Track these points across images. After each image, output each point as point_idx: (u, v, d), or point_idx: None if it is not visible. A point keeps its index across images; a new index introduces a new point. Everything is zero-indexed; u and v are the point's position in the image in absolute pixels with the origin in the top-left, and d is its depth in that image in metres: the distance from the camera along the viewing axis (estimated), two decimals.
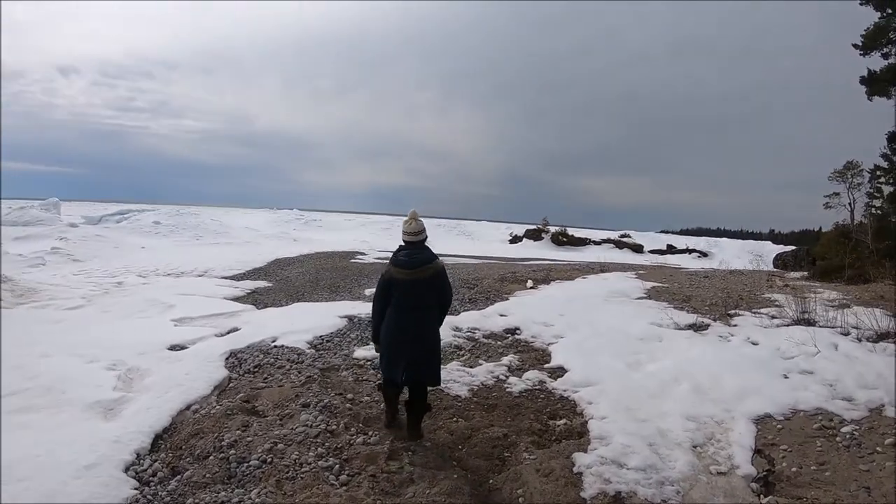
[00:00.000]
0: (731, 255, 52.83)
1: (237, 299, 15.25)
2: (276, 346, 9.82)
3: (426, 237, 6.33)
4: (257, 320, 12.06)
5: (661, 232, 74.06)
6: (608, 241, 55.02)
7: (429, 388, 6.41)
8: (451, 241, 52.30)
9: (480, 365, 9.19)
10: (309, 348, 9.82)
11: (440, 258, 6.31)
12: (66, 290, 15.85)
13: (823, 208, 39.04)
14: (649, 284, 16.40)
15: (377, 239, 48.11)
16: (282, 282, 18.77)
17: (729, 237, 78.30)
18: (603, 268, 21.50)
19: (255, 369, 8.79)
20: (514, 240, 54.98)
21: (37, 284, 15.95)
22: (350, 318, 11.83)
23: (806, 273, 23.01)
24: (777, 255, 44.93)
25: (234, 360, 9.22)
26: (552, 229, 54.50)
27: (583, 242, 53.26)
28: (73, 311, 13.37)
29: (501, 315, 12.07)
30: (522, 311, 12.48)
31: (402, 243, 6.22)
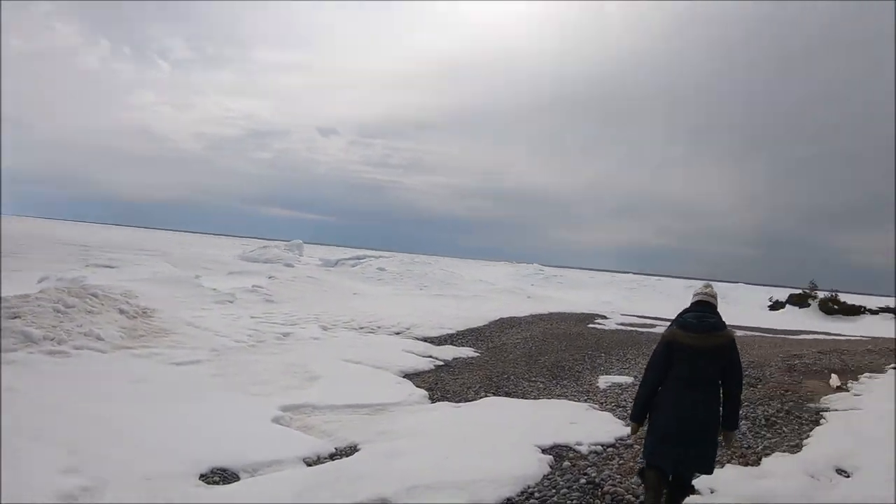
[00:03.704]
0: None
1: (418, 375, 12.15)
2: None
3: (716, 305, 5.57)
4: (400, 434, 7.92)
5: None
6: (887, 309, 47.38)
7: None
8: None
9: None
10: None
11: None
12: (209, 336, 13.50)
13: None
14: None
15: (621, 300, 44.84)
16: (492, 352, 15.52)
17: None
18: None
19: None
20: (775, 306, 49.43)
21: (176, 324, 13.73)
22: (559, 458, 7.30)
23: None
24: None
25: None
26: (820, 294, 47.63)
27: (856, 311, 45.91)
28: (178, 367, 10.82)
29: (840, 472, 7.02)
30: (863, 455, 7.46)
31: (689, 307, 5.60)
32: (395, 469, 6.34)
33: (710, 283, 5.76)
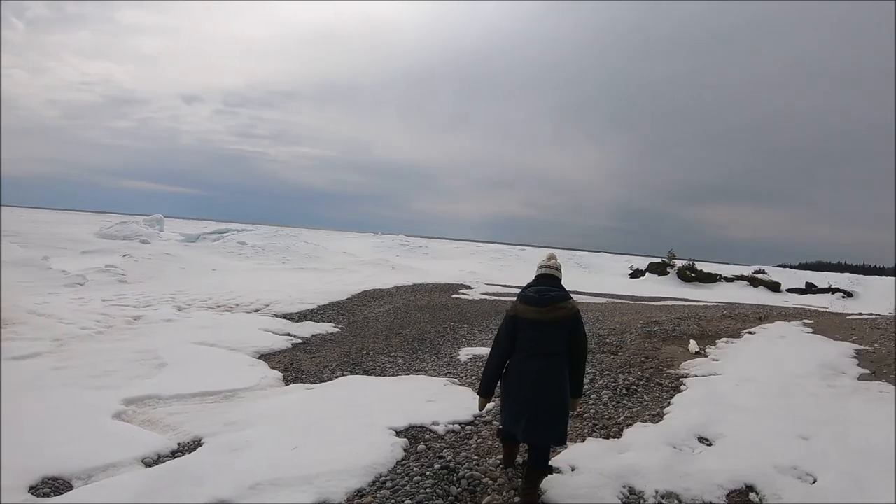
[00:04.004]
0: (879, 294, 49.96)
1: (274, 355, 11.51)
2: None
3: (560, 278, 5.74)
4: (248, 423, 7.32)
5: (779, 266, 68.89)
6: (741, 277, 50.97)
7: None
8: (567, 272, 48.32)
9: None
10: None
11: (573, 300, 5.53)
12: (53, 324, 12.48)
13: None
14: (848, 347, 12.55)
15: (487, 269, 45.68)
16: (353, 326, 15.13)
17: (850, 272, 71.90)
18: (761, 315, 18.24)
19: None
20: (636, 274, 51.85)
21: (16, 313, 12.60)
22: (414, 440, 6.91)
23: None
24: None
25: None
26: (678, 263, 50.49)
27: (712, 279, 49.36)
28: (15, 362, 9.70)
29: (702, 440, 7.01)
30: (725, 422, 7.56)
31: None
32: (239, 465, 5.84)
33: (554, 253, 5.85)
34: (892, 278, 61.83)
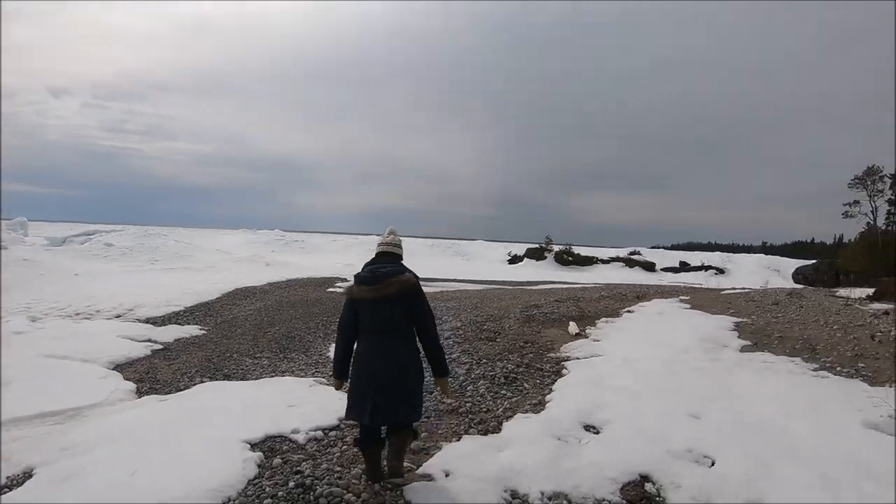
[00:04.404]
0: (748, 270, 53.13)
1: (130, 364, 10.46)
2: None
3: (401, 256, 5.57)
4: (88, 446, 6.34)
5: (653, 247, 71.42)
6: (617, 259, 52.92)
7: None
8: (445, 261, 50.41)
9: None
10: None
11: (414, 274, 5.31)
12: None
13: (842, 217, 39.63)
14: (727, 321, 13.23)
15: (364, 262, 44.16)
16: (220, 327, 14.22)
17: (720, 250, 75.77)
18: (639, 294, 19.29)
19: None
20: (514, 259, 52.49)
21: None
22: (271, 453, 6.14)
23: (868, 293, 19.62)
24: (797, 270, 45.16)
25: None
26: (556, 248, 51.36)
27: (589, 261, 51.14)
28: None
29: (589, 429, 6.65)
30: (611, 406, 7.23)
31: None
32: (70, 496, 5.04)
33: (394, 229, 5.72)
34: (760, 255, 65.38)
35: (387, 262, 5.41)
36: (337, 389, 5.69)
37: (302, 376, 9.36)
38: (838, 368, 9.05)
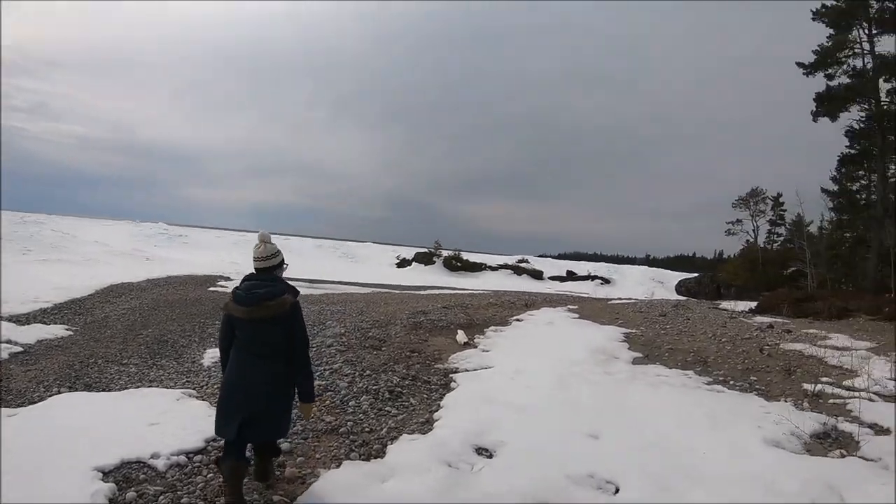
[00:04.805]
0: (633, 281, 54.60)
1: None
2: None
3: (281, 264, 5.29)
4: None
5: (541, 256, 72.66)
6: (506, 266, 53.13)
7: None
8: (332, 263, 49.70)
9: None
10: None
11: (294, 293, 5.12)
12: None
13: (725, 234, 42.43)
14: (616, 331, 13.04)
15: (251, 260, 42.75)
16: (89, 328, 12.83)
17: (605, 261, 77.93)
18: (528, 302, 18.85)
19: None
20: (403, 263, 52.15)
21: None
22: (125, 483, 5.11)
23: (751, 306, 21.28)
24: (680, 282, 46.92)
25: None
26: (444, 253, 51.29)
27: (478, 268, 50.99)
28: None
29: (481, 452, 5.99)
30: (505, 426, 6.59)
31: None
32: None
33: (266, 235, 5.29)
34: (644, 267, 67.48)
35: (265, 280, 5.17)
36: None
37: (171, 387, 8.25)
38: (731, 382, 8.98)
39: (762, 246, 41.03)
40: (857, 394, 8.18)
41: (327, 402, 7.30)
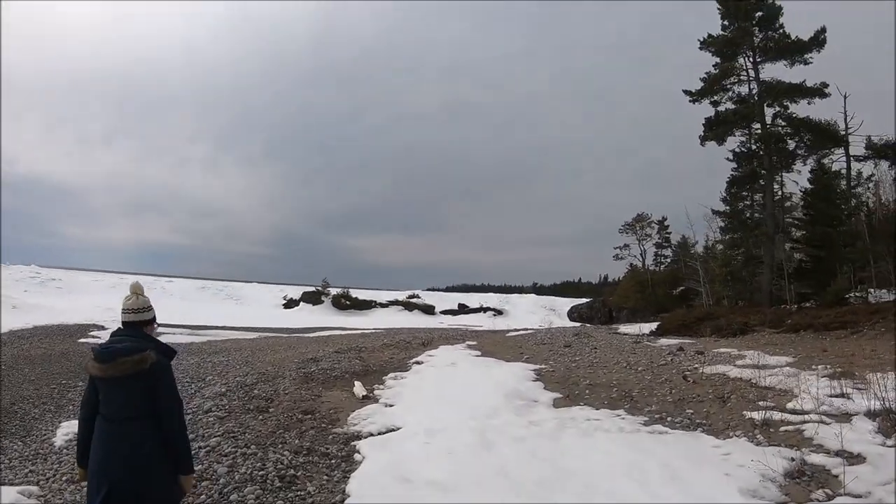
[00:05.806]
0: (525, 310, 54.66)
1: None
2: None
3: (152, 321, 4.66)
4: None
5: (430, 289, 72.47)
6: (396, 302, 52.89)
7: None
8: (216, 305, 47.69)
9: None
10: None
11: (166, 353, 4.48)
12: None
13: (613, 259, 44.25)
14: (524, 369, 12.54)
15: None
16: None
17: (493, 292, 77.87)
18: (424, 341, 18.60)
19: None
20: (290, 304, 51.48)
21: None
22: None
23: (651, 328, 22.51)
24: (572, 308, 47.49)
25: None
26: (333, 291, 50.64)
27: (368, 305, 50.76)
28: None
29: None
30: None
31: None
32: None
33: (139, 286, 4.74)
34: (533, 295, 68.18)
35: (128, 335, 4.55)
36: (81, 480, 4.70)
37: (10, 481, 6.29)
38: (669, 419, 8.31)
39: (650, 268, 42.32)
40: (805, 416, 7.89)
41: (202, 496, 5.64)
